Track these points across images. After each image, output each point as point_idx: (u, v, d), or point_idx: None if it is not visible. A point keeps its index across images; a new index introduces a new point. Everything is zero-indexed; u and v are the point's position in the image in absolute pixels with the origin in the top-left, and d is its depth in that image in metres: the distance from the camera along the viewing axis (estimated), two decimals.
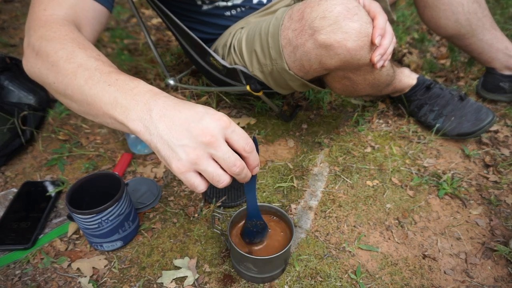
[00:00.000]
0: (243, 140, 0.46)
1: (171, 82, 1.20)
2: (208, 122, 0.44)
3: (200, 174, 0.46)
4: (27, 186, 0.90)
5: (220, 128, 0.44)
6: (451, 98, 1.04)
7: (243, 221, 0.74)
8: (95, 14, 0.65)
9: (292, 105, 1.23)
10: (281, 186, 0.92)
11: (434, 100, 1.06)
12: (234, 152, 0.46)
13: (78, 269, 0.73)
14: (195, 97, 1.23)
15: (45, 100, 1.15)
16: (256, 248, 0.70)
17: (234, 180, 0.85)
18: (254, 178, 0.55)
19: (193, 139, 0.44)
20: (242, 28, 0.95)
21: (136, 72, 1.39)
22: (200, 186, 0.46)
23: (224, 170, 0.46)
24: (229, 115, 1.17)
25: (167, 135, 0.44)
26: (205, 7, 0.95)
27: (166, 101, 0.46)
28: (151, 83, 1.31)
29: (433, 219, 0.84)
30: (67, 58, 0.52)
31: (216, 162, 0.45)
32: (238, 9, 0.97)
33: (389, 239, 0.80)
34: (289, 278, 0.72)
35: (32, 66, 0.57)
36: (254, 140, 0.50)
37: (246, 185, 0.57)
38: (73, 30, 0.58)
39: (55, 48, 0.53)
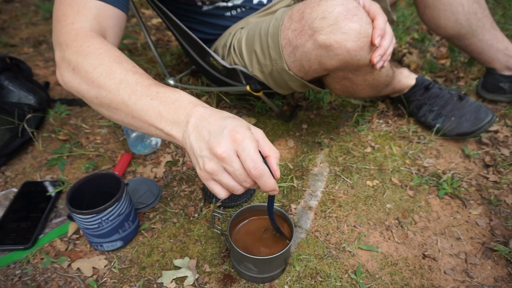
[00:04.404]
0: (250, 162, 0.46)
1: (171, 82, 1.20)
2: (224, 137, 0.46)
3: None
4: (27, 186, 0.90)
5: (231, 144, 0.46)
6: (450, 98, 1.04)
7: (244, 222, 0.74)
8: (116, 20, 0.67)
9: (292, 105, 1.23)
10: (281, 186, 0.92)
11: (433, 100, 1.06)
12: (245, 169, 0.47)
13: (78, 269, 0.73)
14: (195, 97, 1.23)
15: (45, 100, 1.15)
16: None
17: None
18: (271, 198, 0.57)
19: (209, 151, 0.47)
20: (242, 28, 0.95)
21: None
22: (221, 193, 0.50)
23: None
24: None
25: (194, 145, 0.48)
26: (205, 8, 0.95)
27: (203, 112, 0.50)
28: None
29: (433, 219, 0.84)
30: (107, 74, 0.55)
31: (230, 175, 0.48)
32: (238, 10, 0.97)
33: (389, 239, 0.80)
34: (289, 278, 0.72)
35: (69, 81, 0.59)
36: (265, 162, 0.49)
37: (268, 198, 0.59)
38: (104, 42, 0.60)
39: (93, 64, 0.56)
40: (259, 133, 0.50)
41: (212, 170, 0.47)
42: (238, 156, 0.47)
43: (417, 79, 1.08)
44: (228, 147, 0.46)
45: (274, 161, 0.50)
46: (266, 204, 0.73)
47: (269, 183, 0.49)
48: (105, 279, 0.72)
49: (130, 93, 0.53)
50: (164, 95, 0.52)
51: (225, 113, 0.51)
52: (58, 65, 0.61)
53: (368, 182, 0.93)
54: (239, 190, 0.49)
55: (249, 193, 0.87)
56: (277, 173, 0.50)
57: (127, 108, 0.53)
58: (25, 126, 1.01)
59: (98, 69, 0.55)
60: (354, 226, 0.82)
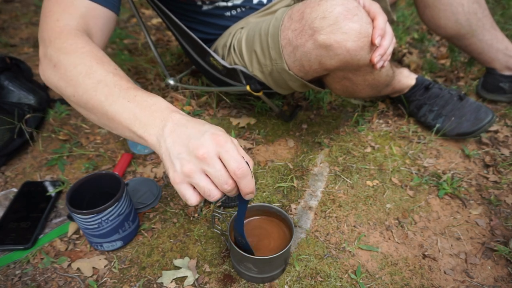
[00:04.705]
0: (234, 162, 0.46)
1: (171, 82, 1.20)
2: (206, 139, 0.46)
3: (194, 187, 0.48)
4: (27, 186, 0.90)
5: (215, 146, 0.46)
6: (450, 98, 1.04)
7: (244, 222, 0.74)
8: (104, 20, 0.66)
9: (292, 105, 1.23)
10: (281, 186, 0.92)
11: (433, 100, 1.06)
12: (227, 172, 0.47)
13: (78, 269, 0.73)
14: (195, 97, 1.23)
15: (45, 100, 1.15)
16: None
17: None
18: (245, 202, 0.55)
19: (189, 153, 0.46)
20: (242, 28, 0.95)
21: (136, 72, 1.39)
22: (192, 199, 0.48)
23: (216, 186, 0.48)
24: (229, 115, 1.17)
25: (170, 148, 0.47)
26: (205, 8, 0.95)
27: (179, 118, 0.49)
28: (151, 83, 1.31)
29: (433, 219, 0.84)
30: (86, 73, 0.54)
31: (209, 177, 0.47)
32: (238, 10, 0.97)
33: (389, 239, 0.80)
34: (289, 278, 0.72)
35: (49, 77, 0.59)
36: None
37: (239, 204, 0.58)
38: (88, 42, 0.59)
39: (73, 62, 0.56)
40: (235, 141, 0.50)
41: (190, 171, 0.47)
42: (219, 159, 0.47)
43: (417, 79, 1.08)
44: (211, 149, 0.46)
45: (251, 167, 0.50)
46: (266, 204, 0.74)
47: (251, 184, 0.49)
48: (105, 279, 0.72)
49: (108, 94, 0.52)
50: (142, 98, 0.52)
51: (202, 121, 0.50)
52: (40, 61, 0.61)
53: (368, 182, 0.93)
54: (215, 195, 0.48)
55: None
56: (253, 180, 0.50)
57: (102, 108, 0.53)
58: (23, 126, 1.01)
59: (77, 68, 0.55)
60: (354, 226, 0.82)
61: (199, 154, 0.46)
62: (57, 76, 0.58)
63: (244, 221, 0.74)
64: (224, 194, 0.49)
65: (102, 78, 0.54)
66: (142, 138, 0.51)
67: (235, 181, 0.48)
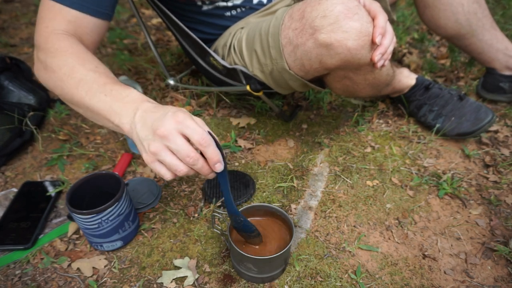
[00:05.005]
0: (197, 135, 0.52)
1: (171, 82, 1.20)
2: (167, 119, 0.52)
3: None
4: (27, 186, 0.90)
5: (175, 124, 0.52)
6: (450, 98, 1.04)
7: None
8: (94, 27, 0.71)
9: (292, 105, 1.23)
10: (281, 186, 0.92)
11: (433, 100, 1.06)
12: (189, 145, 0.52)
13: (78, 269, 0.73)
14: (195, 97, 1.23)
15: (45, 100, 1.15)
16: (256, 246, 0.70)
17: (234, 180, 0.86)
18: (223, 174, 0.58)
19: (153, 133, 0.52)
20: (242, 28, 0.95)
21: (136, 72, 1.39)
22: (166, 175, 0.55)
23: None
24: (229, 115, 1.17)
25: (139, 132, 0.54)
26: (205, 8, 0.95)
27: (149, 106, 0.56)
28: (151, 83, 1.31)
29: (433, 219, 0.84)
30: (69, 74, 0.62)
31: (174, 153, 0.53)
32: (238, 10, 0.97)
33: (389, 239, 0.80)
34: (289, 278, 0.72)
35: (42, 77, 0.67)
36: (213, 136, 0.54)
37: (219, 181, 0.59)
38: (72, 44, 0.66)
39: (58, 64, 0.63)
40: (197, 119, 0.56)
41: (155, 150, 0.52)
42: (182, 135, 0.52)
43: (417, 79, 1.08)
44: (170, 127, 0.51)
45: (216, 139, 0.55)
46: (266, 204, 0.74)
47: (216, 153, 0.54)
48: (105, 279, 0.72)
49: (87, 90, 0.60)
50: (117, 92, 0.59)
51: (169, 106, 0.55)
52: (34, 63, 0.68)
53: (368, 182, 0.93)
54: (181, 169, 0.53)
55: (249, 193, 0.87)
56: (217, 150, 0.55)
57: (84, 103, 0.61)
58: (28, 122, 1.01)
59: (62, 69, 0.62)
60: (354, 226, 0.82)
61: (160, 133, 0.51)
62: (47, 77, 0.65)
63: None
64: (191, 169, 0.54)
65: (82, 77, 0.61)
66: (119, 127, 0.58)
67: (198, 155, 0.53)
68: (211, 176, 0.57)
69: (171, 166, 0.53)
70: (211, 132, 0.55)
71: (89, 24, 0.70)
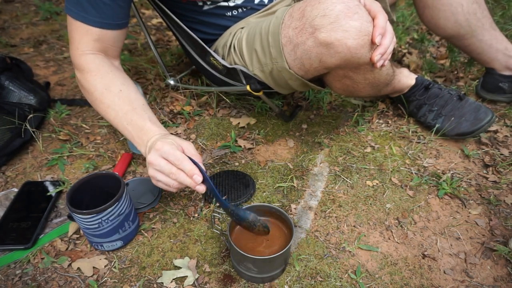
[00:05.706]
0: (171, 156, 0.67)
1: (171, 82, 1.20)
2: (152, 152, 0.68)
3: None
4: (27, 186, 0.90)
5: (156, 152, 0.68)
6: (450, 98, 1.04)
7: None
8: (116, 38, 0.81)
9: (292, 105, 1.23)
10: (281, 186, 0.92)
11: (433, 100, 1.06)
12: (171, 166, 0.67)
13: (78, 269, 0.73)
14: (195, 97, 1.23)
15: (45, 100, 1.15)
16: (264, 236, 0.71)
17: (234, 180, 0.87)
18: (208, 183, 0.68)
19: (147, 163, 0.69)
20: (242, 28, 0.95)
21: (136, 72, 1.39)
22: (167, 188, 0.70)
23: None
24: (229, 115, 1.17)
25: (147, 159, 0.70)
26: (206, 7, 0.95)
27: (155, 141, 0.71)
28: (151, 83, 1.31)
29: (433, 219, 0.84)
30: (100, 99, 0.78)
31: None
32: (239, 10, 0.97)
33: (389, 239, 0.80)
34: (289, 278, 0.72)
35: (83, 92, 0.83)
36: (192, 160, 0.68)
37: (207, 186, 0.69)
38: (99, 65, 0.78)
39: (90, 89, 0.78)
40: (184, 143, 0.71)
41: (152, 174, 0.69)
42: (164, 159, 0.67)
43: (417, 79, 1.08)
44: (153, 156, 0.68)
45: (198, 159, 0.69)
46: (266, 204, 0.74)
47: (192, 168, 0.67)
48: (105, 279, 0.72)
49: (114, 116, 0.77)
50: (136, 123, 0.75)
51: (167, 142, 0.68)
52: (76, 77, 0.83)
53: (368, 182, 0.93)
54: (172, 183, 0.68)
55: (249, 193, 0.87)
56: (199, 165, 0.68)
57: (113, 124, 0.79)
58: (27, 125, 1.01)
59: (94, 94, 0.78)
60: (354, 226, 0.82)
61: (148, 161, 0.69)
62: (85, 94, 0.82)
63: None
64: (180, 184, 0.68)
65: (110, 103, 0.77)
66: (140, 151, 0.77)
67: (179, 170, 0.67)
68: (200, 188, 0.67)
69: (164, 182, 0.68)
70: (191, 157, 0.68)
71: (112, 37, 0.80)
